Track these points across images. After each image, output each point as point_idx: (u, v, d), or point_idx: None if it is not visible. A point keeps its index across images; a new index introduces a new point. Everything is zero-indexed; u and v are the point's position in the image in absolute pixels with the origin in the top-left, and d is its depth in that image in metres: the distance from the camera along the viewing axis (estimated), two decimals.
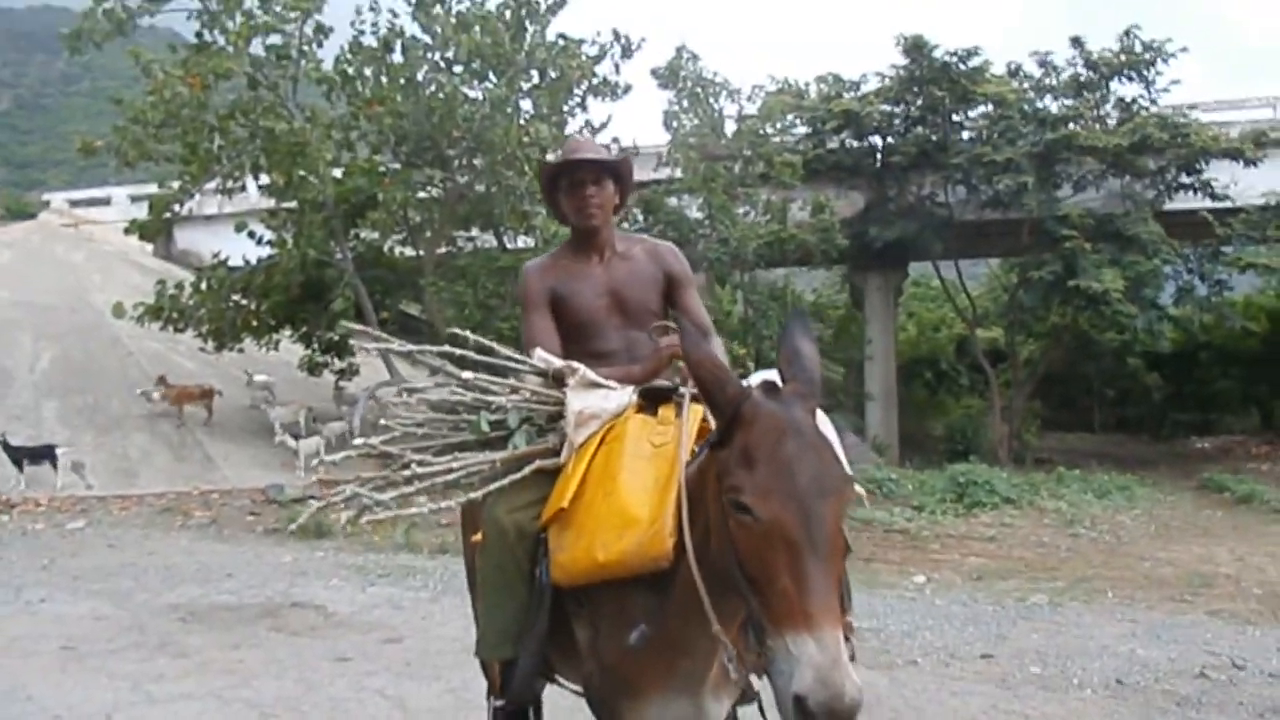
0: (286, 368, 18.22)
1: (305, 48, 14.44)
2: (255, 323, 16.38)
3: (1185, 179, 18.46)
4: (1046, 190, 18.32)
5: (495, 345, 2.78)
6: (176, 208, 15.81)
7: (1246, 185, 18.11)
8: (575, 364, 2.61)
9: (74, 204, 31.03)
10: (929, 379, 28.78)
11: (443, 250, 17.07)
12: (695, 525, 1.99)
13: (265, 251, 16.21)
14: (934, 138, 19.82)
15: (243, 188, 15.46)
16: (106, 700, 4.84)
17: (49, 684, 5.16)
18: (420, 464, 2.61)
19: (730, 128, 18.83)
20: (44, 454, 13.06)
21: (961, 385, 28.92)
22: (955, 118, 19.98)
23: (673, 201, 17.92)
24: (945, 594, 7.94)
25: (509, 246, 16.98)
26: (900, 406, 22.59)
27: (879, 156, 20.60)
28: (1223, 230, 17.85)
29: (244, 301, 16.06)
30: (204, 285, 15.87)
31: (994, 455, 18.49)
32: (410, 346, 2.97)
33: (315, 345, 17.05)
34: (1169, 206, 18.73)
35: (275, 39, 14.26)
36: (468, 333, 2.89)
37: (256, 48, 14.39)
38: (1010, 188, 17.94)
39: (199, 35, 14.48)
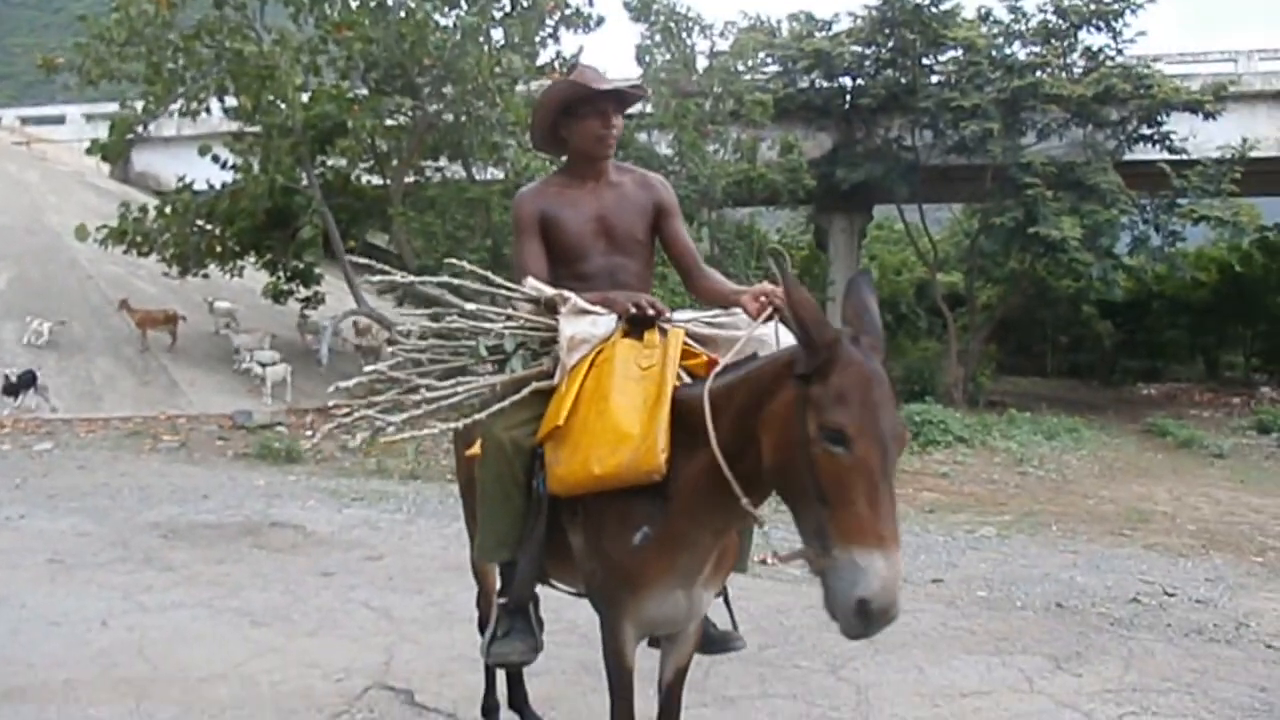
0: (250, 295, 18.13)
1: None
2: (220, 249, 16.23)
3: (1146, 130, 18.79)
4: (1011, 137, 18.55)
5: (491, 275, 2.88)
6: (139, 129, 15.52)
7: (1204, 138, 18.49)
8: (566, 293, 2.74)
9: (26, 121, 30.14)
10: (889, 321, 29.26)
11: (410, 180, 16.96)
12: (721, 432, 2.25)
13: (228, 176, 16.01)
14: (903, 81, 19.88)
15: (207, 110, 15.15)
16: (100, 608, 5.02)
17: (41, 594, 5.32)
18: (428, 388, 2.76)
19: (702, 64, 18.75)
20: (27, 381, 13.06)
21: (920, 328, 29.46)
22: (925, 61, 20.03)
23: (642, 137, 17.91)
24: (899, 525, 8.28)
25: (478, 178, 16.92)
26: None
27: (848, 98, 20.66)
28: (1179, 182, 18.23)
29: (209, 227, 15.90)
30: (168, 209, 15.67)
31: (949, 397, 18.94)
32: (413, 278, 3.08)
33: (281, 273, 16.97)
34: (1128, 157, 19.07)
35: None
36: (464, 263, 2.95)
37: None
38: (976, 133, 18.14)
39: None
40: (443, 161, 17.11)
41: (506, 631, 2.74)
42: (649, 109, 17.64)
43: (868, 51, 20.15)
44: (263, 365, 14.76)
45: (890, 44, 19.69)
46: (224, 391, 14.96)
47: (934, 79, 19.96)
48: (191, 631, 4.73)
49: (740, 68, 18.92)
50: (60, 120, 29.22)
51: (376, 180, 17.15)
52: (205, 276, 16.79)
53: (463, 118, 15.20)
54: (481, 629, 3.56)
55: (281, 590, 5.46)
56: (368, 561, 6.22)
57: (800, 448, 2.04)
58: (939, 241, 25.28)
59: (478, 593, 3.56)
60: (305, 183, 15.18)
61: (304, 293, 17.38)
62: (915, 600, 5.70)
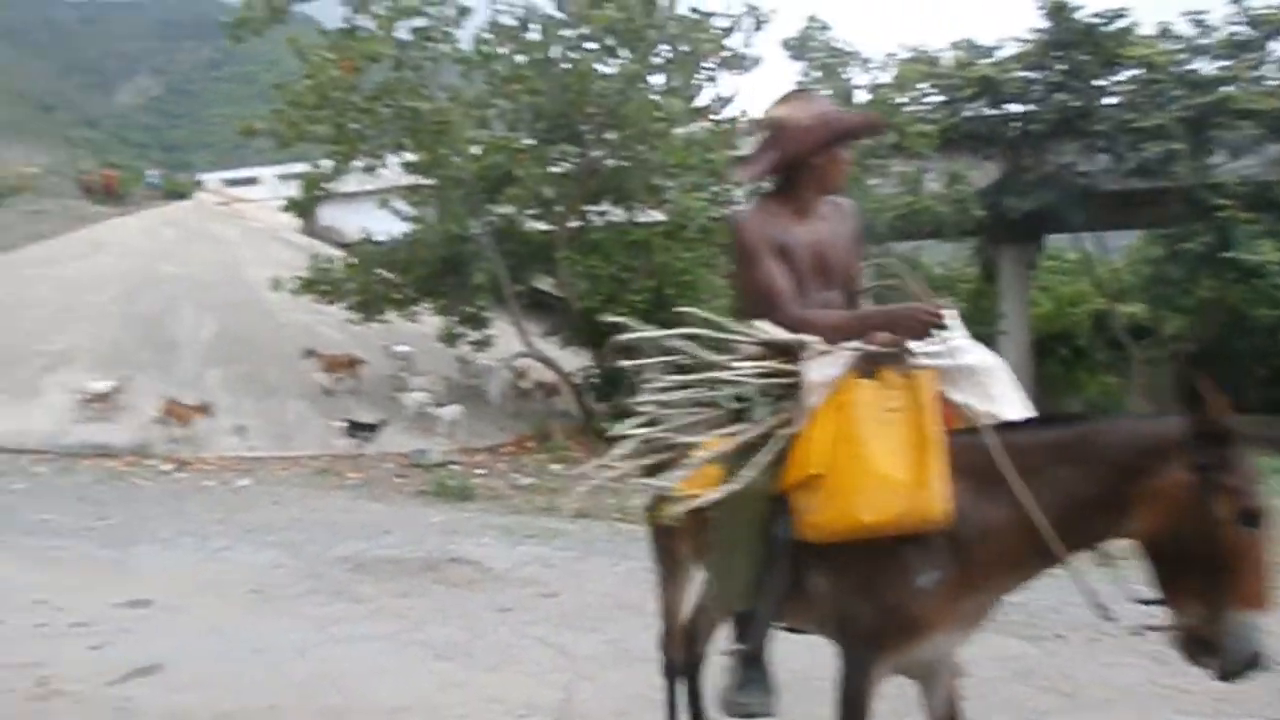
0: (425, 339, 18.97)
1: (447, 29, 14.91)
2: (398, 295, 17.13)
3: None
4: (1198, 157, 17.50)
5: (725, 321, 2.77)
6: (326, 186, 16.64)
7: None
8: (805, 336, 2.67)
9: (226, 183, 32.90)
10: (1065, 356, 27.83)
11: (574, 225, 17.44)
12: (1044, 492, 2.38)
13: (405, 227, 16.94)
14: (1076, 104, 19.11)
15: (385, 166, 16.13)
16: (297, 639, 5.30)
17: (244, 623, 5.67)
18: (694, 445, 2.66)
19: (862, 98, 18.56)
20: (376, 427, 14.58)
21: (1098, 362, 27.86)
22: (1099, 83, 19.21)
23: None
24: (1090, 572, 7.79)
25: (639, 220, 17.25)
26: (1034, 383, 21.99)
27: (1016, 125, 19.99)
28: None
29: (388, 275, 16.82)
30: (352, 260, 16.69)
31: None
32: (658, 332, 2.90)
33: (454, 317, 17.71)
34: None
35: (420, 21, 14.78)
36: (695, 309, 2.82)
37: (401, 30, 14.94)
38: (1158, 155, 17.24)
39: (348, 21, 15.13)
40: (605, 206, 17.54)
41: (744, 682, 2.65)
42: None
43: (1036, 76, 19.49)
44: (439, 404, 15.40)
45: (1060, 66, 18.98)
46: (401, 431, 15.65)
47: (1110, 100, 19.07)
48: (380, 664, 4.92)
49: (902, 99, 18.62)
50: (255, 181, 31.74)
51: (542, 226, 17.75)
52: (385, 322, 17.71)
53: (625, 163, 15.57)
54: (666, 673, 3.53)
55: (461, 625, 5.61)
56: (543, 598, 6.32)
57: (1210, 527, 2.26)
58: (1117, 270, 24.00)
59: (662, 635, 3.54)
60: (476, 231, 15.85)
61: (475, 336, 18.05)
62: (1115, 653, 5.32)
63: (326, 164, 16.21)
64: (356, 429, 14.45)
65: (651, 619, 5.73)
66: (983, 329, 22.82)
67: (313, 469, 13.25)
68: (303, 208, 17.83)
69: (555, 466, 13.78)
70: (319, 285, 16.64)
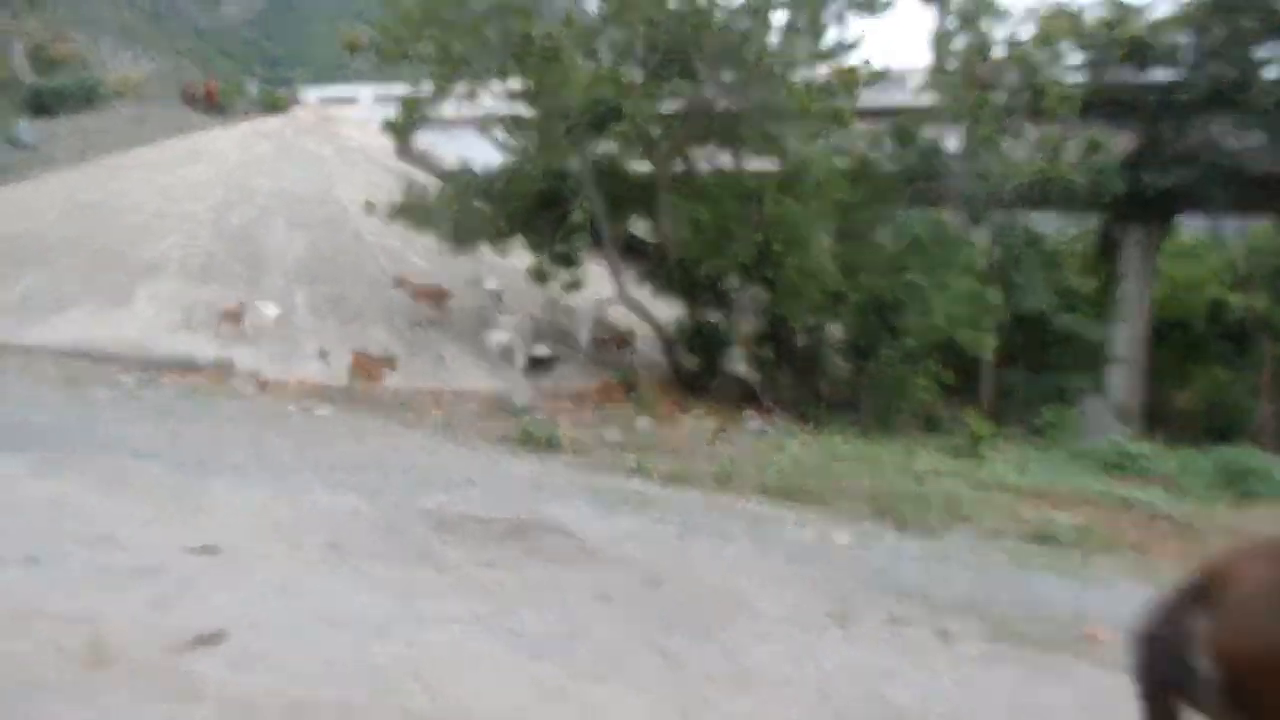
0: (514, 275, 18.45)
1: None
2: (491, 228, 16.56)
3: None
4: None
5: None
6: (426, 110, 16.04)
7: None
8: None
9: (324, 101, 32.64)
10: (1177, 344, 26.16)
11: (678, 169, 16.59)
12: None
13: (501, 158, 16.30)
14: (1231, 74, 17.46)
15: (488, 91, 15.45)
16: (377, 613, 4.73)
17: (318, 583, 5.13)
18: None
19: (998, 54, 17.21)
20: (552, 361, 14.92)
21: (1210, 354, 26.13)
22: (1261, 52, 17.51)
23: (927, 132, 16.66)
24: None
25: (747, 168, 16.31)
26: (1147, 373, 20.64)
27: (1159, 93, 18.41)
28: None
29: (483, 206, 16.23)
30: (448, 188, 16.12)
31: (1256, 437, 16.60)
32: None
33: (546, 255, 17.09)
34: None
35: None
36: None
37: None
38: None
39: None
40: (712, 150, 16.64)
41: None
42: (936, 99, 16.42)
43: (1190, 41, 17.85)
44: (526, 346, 14.90)
45: (1220, 31, 17.32)
46: (484, 369, 15.19)
47: (1271, 72, 17.41)
48: (468, 654, 4.33)
49: (1041, 58, 17.22)
50: (353, 101, 31.41)
51: (643, 168, 16.92)
52: (475, 255, 17.17)
53: (739, 105, 14.64)
54: None
55: (559, 614, 4.98)
56: (646, 587, 5.65)
57: None
58: (1237, 258, 22.34)
59: None
60: (577, 167, 15.12)
61: (566, 276, 17.43)
62: None
63: (427, 86, 15.59)
64: (536, 363, 14.66)
65: (773, 625, 5.08)
66: (1093, 310, 21.43)
67: (394, 402, 12.83)
68: (401, 130, 17.25)
69: (642, 421, 13.15)
70: (412, 212, 16.13)
